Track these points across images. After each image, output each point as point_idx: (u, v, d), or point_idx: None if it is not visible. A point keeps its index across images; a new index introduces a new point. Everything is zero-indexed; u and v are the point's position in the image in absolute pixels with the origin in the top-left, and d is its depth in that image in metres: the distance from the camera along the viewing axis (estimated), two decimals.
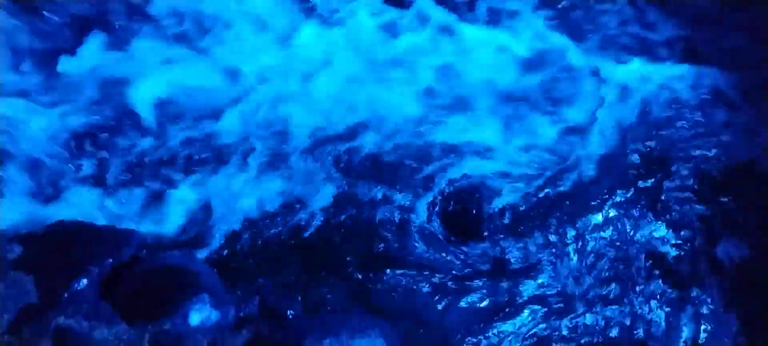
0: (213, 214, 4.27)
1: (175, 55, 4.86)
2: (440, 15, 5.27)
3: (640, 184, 4.64)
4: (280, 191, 4.45)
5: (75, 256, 3.31)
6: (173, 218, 4.20)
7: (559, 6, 5.38)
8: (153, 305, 3.15)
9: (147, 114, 4.59)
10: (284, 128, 4.69)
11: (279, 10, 5.19)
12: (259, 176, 4.49)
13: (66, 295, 3.07)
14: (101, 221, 4.01)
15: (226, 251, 4.16)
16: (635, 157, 4.73)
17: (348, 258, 4.25)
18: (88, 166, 4.33)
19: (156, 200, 4.27)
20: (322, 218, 4.39)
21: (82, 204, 4.15)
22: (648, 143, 4.78)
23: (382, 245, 4.31)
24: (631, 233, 4.49)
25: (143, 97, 4.61)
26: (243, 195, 4.41)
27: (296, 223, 4.36)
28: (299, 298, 4.04)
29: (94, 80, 4.63)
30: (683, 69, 5.11)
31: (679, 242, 4.48)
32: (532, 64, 5.08)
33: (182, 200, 4.29)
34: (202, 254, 4.07)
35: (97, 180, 4.29)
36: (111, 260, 3.36)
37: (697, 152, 4.75)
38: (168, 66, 4.79)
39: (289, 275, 4.18)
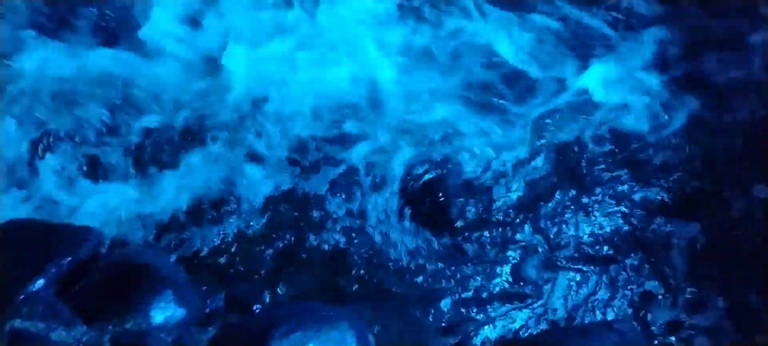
0: (174, 206, 4.20)
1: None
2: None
3: (607, 170, 4.67)
4: (244, 181, 4.38)
5: (30, 255, 3.18)
6: (132, 212, 4.12)
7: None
8: (114, 304, 3.05)
9: (97, 106, 4.46)
10: (244, 115, 4.61)
11: None
12: (221, 165, 4.41)
13: (21, 296, 2.96)
14: (57, 217, 3.91)
15: (189, 245, 4.10)
16: (600, 144, 4.75)
17: (316, 249, 4.23)
18: (41, 162, 4.22)
19: (115, 193, 4.18)
20: (288, 208, 4.33)
21: (37, 201, 4.04)
22: (612, 131, 4.81)
23: (350, 235, 4.28)
24: (600, 218, 4.52)
25: (91, 88, 4.50)
26: (205, 186, 4.33)
27: (261, 213, 4.29)
28: (267, 290, 4.00)
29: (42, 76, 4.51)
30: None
31: (648, 226, 4.52)
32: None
33: (142, 193, 4.21)
34: (164, 249, 4.01)
35: (53, 175, 4.19)
36: (69, 259, 3.25)
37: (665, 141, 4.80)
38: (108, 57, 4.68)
39: (256, 268, 4.13)
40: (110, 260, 3.35)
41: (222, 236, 4.20)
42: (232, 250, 4.18)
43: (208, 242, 4.16)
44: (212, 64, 4.79)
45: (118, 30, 4.86)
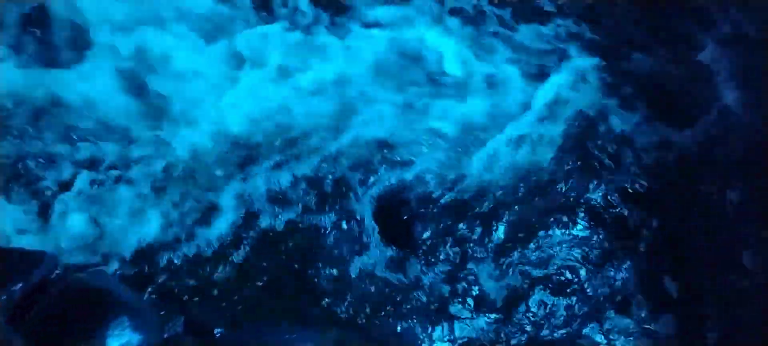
0: (129, 228, 4.11)
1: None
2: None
3: (570, 187, 4.73)
4: (201, 202, 4.31)
5: None
6: (87, 235, 4.02)
7: None
8: (68, 331, 2.98)
9: (46, 125, 4.38)
10: (198, 137, 4.56)
11: None
12: (178, 187, 4.34)
13: None
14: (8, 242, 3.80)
15: (146, 269, 3.99)
16: (564, 158, 4.81)
17: (277, 269, 4.16)
18: None
19: (66, 217, 4.08)
20: (248, 229, 4.27)
21: None
22: (577, 144, 4.87)
23: (312, 255, 4.24)
24: (563, 235, 4.56)
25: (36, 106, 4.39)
26: (161, 207, 4.25)
27: (220, 235, 4.22)
28: (227, 313, 3.93)
29: None
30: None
31: (612, 241, 4.58)
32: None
33: (97, 216, 4.11)
34: (120, 273, 3.91)
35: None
36: (21, 285, 3.17)
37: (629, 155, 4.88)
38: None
39: (216, 290, 4.04)
40: (64, 285, 3.28)
41: (179, 258, 4.10)
42: (191, 272, 4.08)
43: (165, 265, 4.05)
44: (173, 86, 4.74)
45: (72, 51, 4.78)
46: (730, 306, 4.30)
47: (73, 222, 4.09)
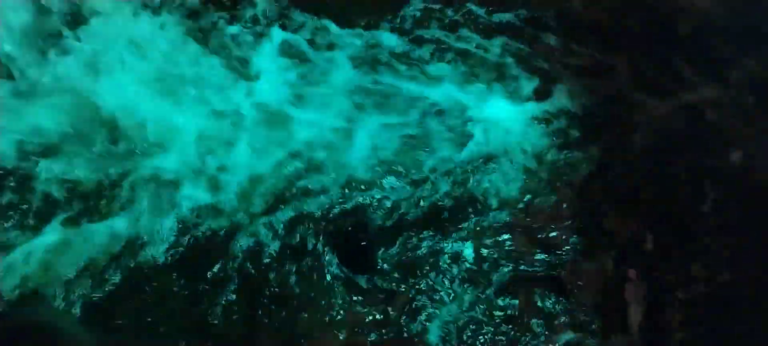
0: (78, 261, 4.00)
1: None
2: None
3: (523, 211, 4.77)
4: (153, 233, 4.23)
5: None
6: (33, 268, 3.89)
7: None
8: None
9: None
10: (152, 166, 4.48)
11: None
12: (128, 217, 4.25)
13: None
14: None
15: (96, 303, 3.90)
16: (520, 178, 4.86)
17: (231, 300, 4.10)
18: None
19: (16, 248, 3.96)
20: (201, 261, 4.19)
21: None
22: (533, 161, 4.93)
23: (271, 285, 4.19)
24: (519, 259, 4.60)
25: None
26: (112, 239, 4.15)
27: (173, 266, 4.14)
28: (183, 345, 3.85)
29: None
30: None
31: (575, 262, 4.62)
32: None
33: (44, 248, 3.99)
34: (67, 307, 3.80)
35: None
36: None
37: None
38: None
39: (169, 323, 3.98)
40: (9, 320, 3.18)
41: (130, 290, 4.01)
42: (142, 305, 3.99)
43: (115, 298, 3.96)
44: (118, 113, 4.65)
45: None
46: (691, 315, 4.37)
47: (18, 253, 3.97)
